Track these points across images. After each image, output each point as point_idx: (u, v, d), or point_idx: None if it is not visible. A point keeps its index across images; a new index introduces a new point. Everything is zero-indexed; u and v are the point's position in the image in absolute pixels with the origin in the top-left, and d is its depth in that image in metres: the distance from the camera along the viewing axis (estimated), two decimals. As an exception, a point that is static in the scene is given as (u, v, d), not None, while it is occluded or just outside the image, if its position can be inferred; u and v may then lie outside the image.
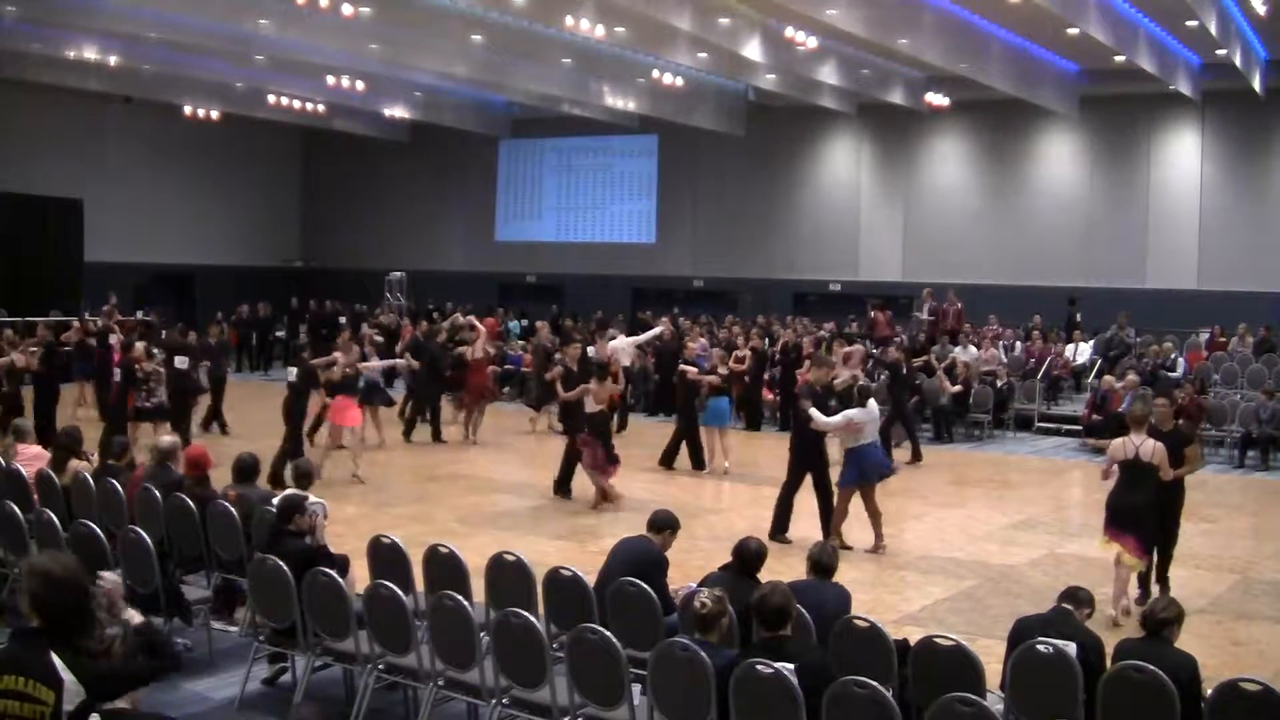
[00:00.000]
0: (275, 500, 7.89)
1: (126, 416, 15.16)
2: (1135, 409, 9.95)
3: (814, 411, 11.10)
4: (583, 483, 13.33)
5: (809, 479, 11.50)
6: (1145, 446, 9.18)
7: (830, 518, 11.34)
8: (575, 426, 13.25)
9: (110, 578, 4.79)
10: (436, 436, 17.51)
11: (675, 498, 13.14)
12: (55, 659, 3.80)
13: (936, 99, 24.35)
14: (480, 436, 17.75)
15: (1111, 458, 9.38)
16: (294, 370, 14.68)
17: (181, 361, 16.17)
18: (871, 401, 11.48)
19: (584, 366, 14.14)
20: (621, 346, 18.48)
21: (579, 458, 13.05)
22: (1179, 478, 9.46)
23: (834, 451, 12.07)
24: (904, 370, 17.58)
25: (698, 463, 15.63)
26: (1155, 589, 9.66)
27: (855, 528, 11.51)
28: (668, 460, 15.66)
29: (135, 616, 4.16)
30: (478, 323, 19.91)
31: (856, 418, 11.06)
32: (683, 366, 16.03)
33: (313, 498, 7.90)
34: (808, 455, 11.44)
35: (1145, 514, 9.18)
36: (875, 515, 11.21)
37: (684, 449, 15.71)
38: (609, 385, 13.02)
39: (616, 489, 12.99)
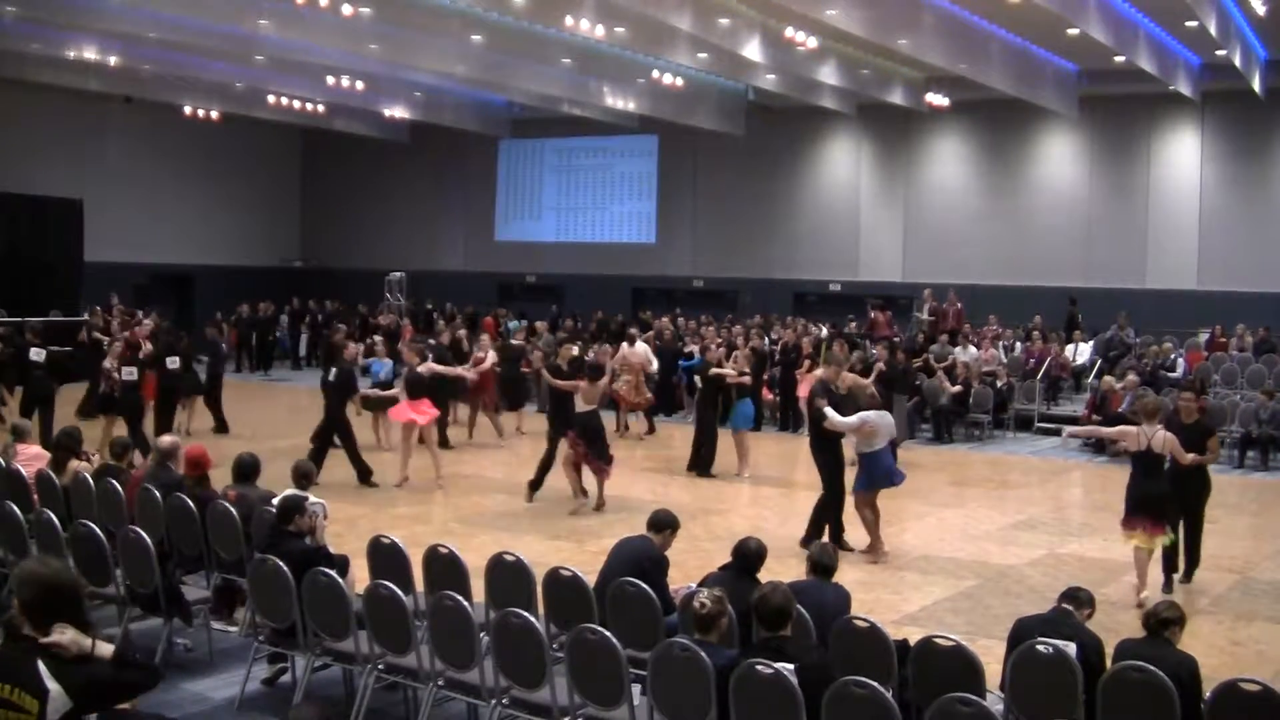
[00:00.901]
0: (275, 500, 7.89)
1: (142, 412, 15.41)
2: (1148, 401, 10.49)
3: (829, 410, 10.91)
4: (559, 483, 13.20)
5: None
6: (1157, 438, 9.66)
7: (840, 520, 11.20)
8: (563, 425, 13.00)
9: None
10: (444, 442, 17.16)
11: (675, 498, 13.14)
12: (42, 667, 3.78)
13: (936, 99, 24.36)
14: (480, 437, 17.73)
15: (1124, 445, 9.98)
16: (333, 370, 14.69)
17: (172, 362, 16.35)
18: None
19: (576, 366, 14.01)
20: (646, 351, 18.51)
21: (552, 461, 12.99)
22: (1200, 464, 9.91)
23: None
24: (900, 370, 17.52)
25: (705, 466, 15.30)
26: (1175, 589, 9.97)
27: (857, 529, 11.52)
28: (705, 467, 15.22)
29: (105, 647, 4.14)
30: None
31: (871, 419, 10.90)
32: (717, 371, 15.64)
33: (313, 498, 7.90)
34: (831, 462, 11.20)
35: (1162, 502, 9.69)
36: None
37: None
38: (601, 385, 12.88)
39: (591, 490, 12.82)
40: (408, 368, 14.39)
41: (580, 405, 12.55)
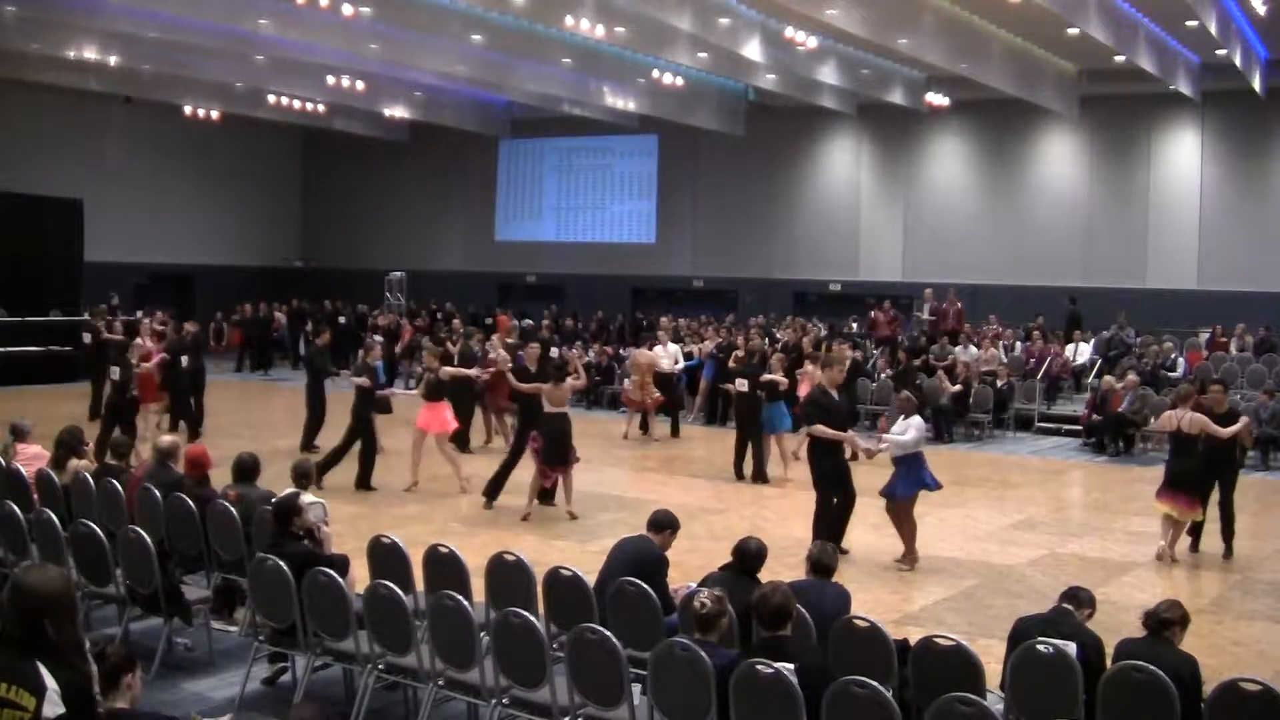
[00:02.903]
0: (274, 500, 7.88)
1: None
2: (1182, 387, 12.02)
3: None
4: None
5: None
6: (1186, 419, 10.89)
7: (846, 523, 10.94)
8: (529, 426, 12.74)
9: None
10: (464, 445, 16.59)
11: (675, 498, 13.13)
12: (41, 666, 3.80)
13: (936, 99, 24.37)
14: (495, 439, 17.60)
15: (1162, 427, 11.50)
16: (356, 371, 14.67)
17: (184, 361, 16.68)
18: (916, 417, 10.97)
19: (543, 367, 13.81)
20: (671, 352, 18.47)
21: (515, 464, 12.83)
22: (1232, 436, 11.04)
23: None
24: (904, 370, 17.53)
25: (760, 474, 14.97)
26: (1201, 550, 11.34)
27: (859, 530, 11.54)
28: (760, 475, 14.90)
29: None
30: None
31: (920, 424, 10.77)
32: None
33: (313, 498, 7.89)
34: (832, 471, 10.85)
35: (1192, 477, 10.88)
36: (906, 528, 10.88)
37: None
38: (568, 386, 12.73)
39: (539, 494, 12.58)
40: (426, 371, 14.17)
41: (547, 407, 12.27)
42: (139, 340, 17.28)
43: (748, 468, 15.09)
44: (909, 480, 10.57)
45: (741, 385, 15.32)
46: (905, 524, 10.72)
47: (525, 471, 12.67)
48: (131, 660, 4.26)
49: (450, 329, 20.83)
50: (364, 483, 13.60)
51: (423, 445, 13.79)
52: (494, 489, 12.93)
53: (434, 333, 22.75)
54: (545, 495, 12.75)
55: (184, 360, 16.79)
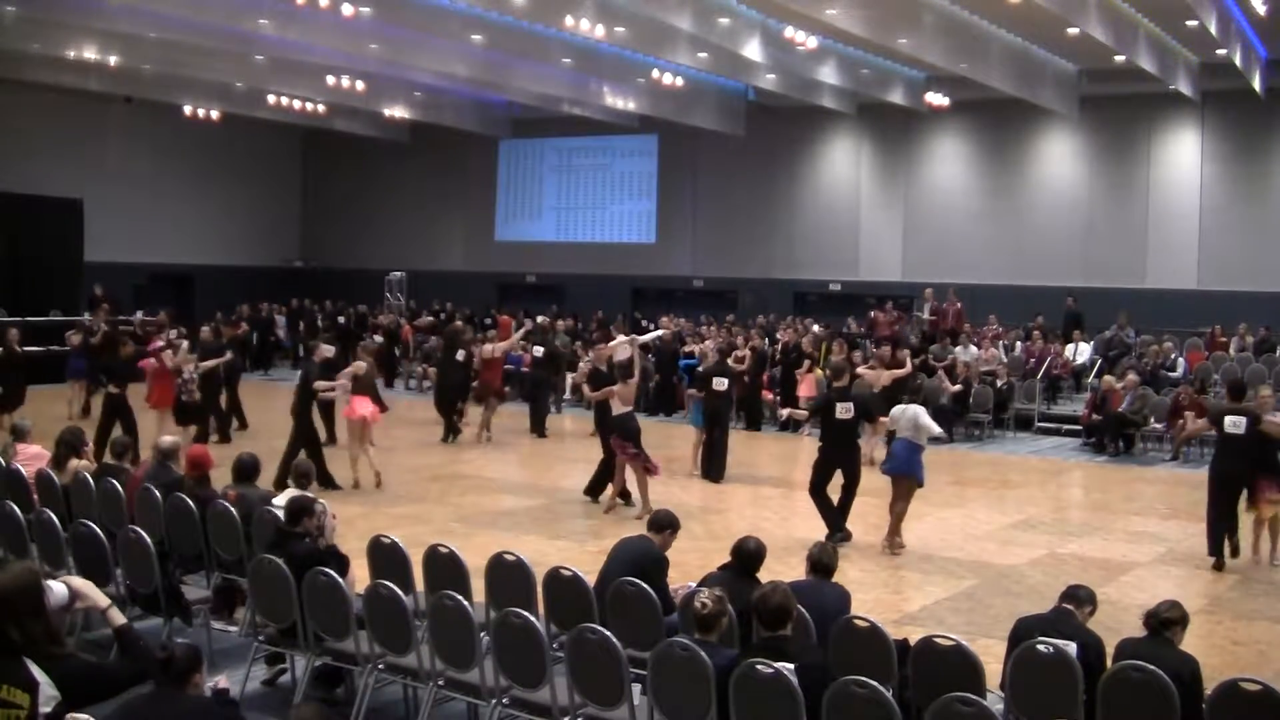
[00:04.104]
0: (275, 500, 7.88)
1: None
2: (1261, 389, 12.99)
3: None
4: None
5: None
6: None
7: (848, 510, 11.50)
8: (607, 429, 12.97)
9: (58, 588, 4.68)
10: (452, 435, 17.28)
11: (675, 498, 13.12)
12: (29, 663, 3.81)
13: (936, 99, 24.36)
14: (495, 436, 17.67)
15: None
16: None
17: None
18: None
19: (611, 368, 13.91)
20: (618, 344, 18.42)
21: (613, 463, 12.90)
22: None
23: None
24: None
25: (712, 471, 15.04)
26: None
27: (858, 529, 11.54)
28: (708, 472, 14.99)
29: (118, 618, 4.20)
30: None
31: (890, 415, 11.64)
32: (737, 367, 15.51)
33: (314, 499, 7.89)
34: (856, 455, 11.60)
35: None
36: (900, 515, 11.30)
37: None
38: (633, 384, 12.86)
39: (621, 493, 12.76)
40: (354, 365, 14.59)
41: (617, 408, 12.51)
42: (159, 342, 17.36)
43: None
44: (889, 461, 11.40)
45: (720, 385, 15.22)
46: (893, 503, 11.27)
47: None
48: (198, 660, 4.39)
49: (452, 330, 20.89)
50: (283, 480, 11.98)
51: (359, 435, 13.78)
52: (623, 494, 13.01)
53: (435, 332, 22.84)
54: (618, 492, 13.00)
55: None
